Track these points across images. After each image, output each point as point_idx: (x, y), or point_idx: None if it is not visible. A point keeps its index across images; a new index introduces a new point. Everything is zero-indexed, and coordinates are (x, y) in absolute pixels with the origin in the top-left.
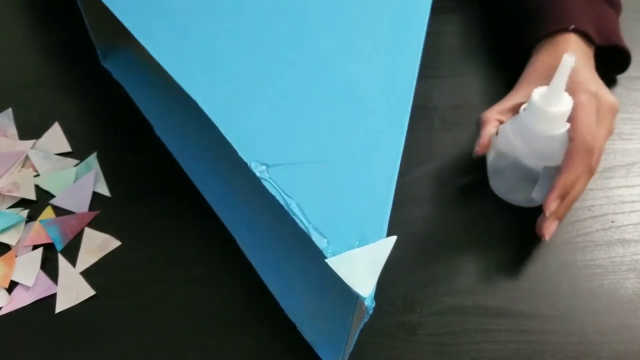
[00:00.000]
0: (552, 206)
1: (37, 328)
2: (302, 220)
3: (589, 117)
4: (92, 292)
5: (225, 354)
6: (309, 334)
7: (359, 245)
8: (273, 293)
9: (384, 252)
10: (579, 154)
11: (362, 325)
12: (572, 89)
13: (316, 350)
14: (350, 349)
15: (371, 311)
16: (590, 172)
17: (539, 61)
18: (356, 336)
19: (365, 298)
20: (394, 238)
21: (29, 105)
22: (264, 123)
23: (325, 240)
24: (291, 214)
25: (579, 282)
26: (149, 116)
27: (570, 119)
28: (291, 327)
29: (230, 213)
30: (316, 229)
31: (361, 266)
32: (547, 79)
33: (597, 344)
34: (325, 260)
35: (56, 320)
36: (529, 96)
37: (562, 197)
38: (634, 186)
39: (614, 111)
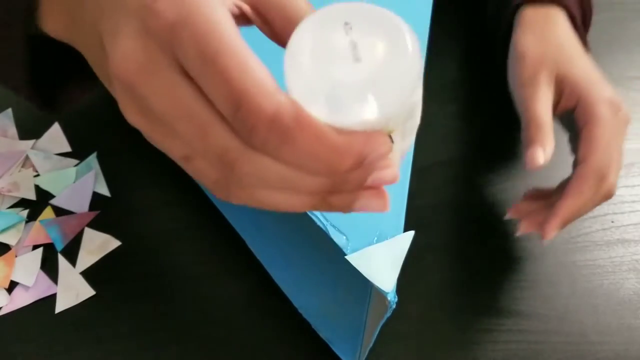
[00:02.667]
0: (552, 234)
1: (37, 328)
2: (319, 218)
3: (608, 136)
4: (92, 292)
5: (229, 353)
6: (324, 331)
7: (378, 241)
8: (285, 292)
9: (403, 247)
10: (589, 180)
11: (383, 321)
12: (586, 93)
13: (332, 347)
14: (370, 345)
15: (394, 306)
16: (604, 197)
17: (527, 49)
18: (377, 332)
19: (387, 293)
20: (411, 233)
21: (29, 105)
22: None
23: (344, 237)
24: (308, 213)
25: (578, 282)
26: None
27: (582, 135)
28: (300, 325)
29: (238, 214)
30: (334, 227)
31: (381, 262)
32: (547, 70)
33: (597, 344)
34: (345, 257)
35: (56, 320)
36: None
37: (564, 225)
38: (633, 186)
39: (627, 124)
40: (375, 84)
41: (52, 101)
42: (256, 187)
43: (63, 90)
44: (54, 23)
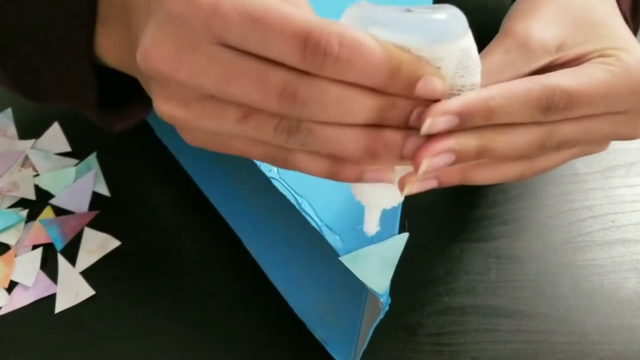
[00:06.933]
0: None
1: (37, 328)
2: (314, 218)
3: (617, 91)
4: (92, 292)
5: (225, 352)
6: (320, 332)
7: (372, 243)
8: (281, 292)
9: (397, 249)
10: (531, 92)
11: (377, 322)
12: (609, 35)
13: (327, 348)
14: (363, 347)
15: (387, 307)
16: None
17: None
18: (370, 333)
19: (381, 295)
20: (406, 235)
21: (28, 105)
22: None
23: (338, 238)
24: (303, 213)
25: (579, 282)
26: (149, 118)
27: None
28: (295, 325)
29: (235, 214)
30: (328, 227)
31: (375, 263)
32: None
33: (597, 344)
34: (339, 258)
35: (56, 320)
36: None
37: (463, 120)
38: (634, 186)
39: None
40: (426, 22)
41: (112, 119)
42: (317, 114)
43: (123, 109)
44: (111, 55)
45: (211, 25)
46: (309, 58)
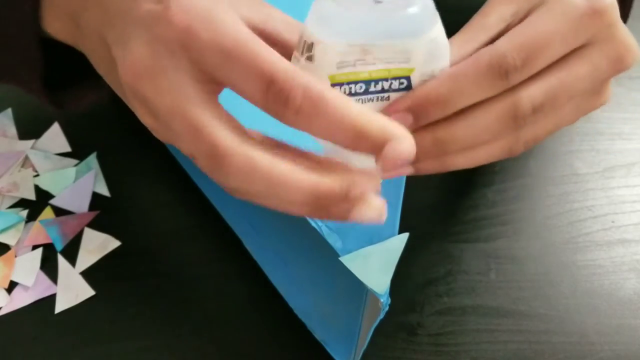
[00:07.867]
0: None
1: (37, 328)
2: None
3: (565, 29)
4: (92, 292)
5: (224, 352)
6: (320, 332)
7: (372, 243)
8: (281, 293)
9: (397, 249)
10: (481, 66)
11: (376, 322)
12: None
13: (327, 348)
14: (363, 347)
15: (387, 308)
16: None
17: None
18: (370, 334)
19: (381, 295)
20: (406, 235)
21: (29, 105)
22: (268, 122)
23: (338, 238)
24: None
25: (579, 282)
26: None
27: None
28: (295, 325)
29: (235, 214)
30: (328, 227)
31: (375, 263)
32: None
33: (597, 344)
34: (339, 258)
35: (56, 320)
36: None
37: (417, 116)
38: (634, 186)
39: (619, 62)
40: (395, 17)
41: (62, 100)
42: (244, 182)
43: (73, 90)
44: (58, 27)
45: (186, 46)
46: (271, 102)
